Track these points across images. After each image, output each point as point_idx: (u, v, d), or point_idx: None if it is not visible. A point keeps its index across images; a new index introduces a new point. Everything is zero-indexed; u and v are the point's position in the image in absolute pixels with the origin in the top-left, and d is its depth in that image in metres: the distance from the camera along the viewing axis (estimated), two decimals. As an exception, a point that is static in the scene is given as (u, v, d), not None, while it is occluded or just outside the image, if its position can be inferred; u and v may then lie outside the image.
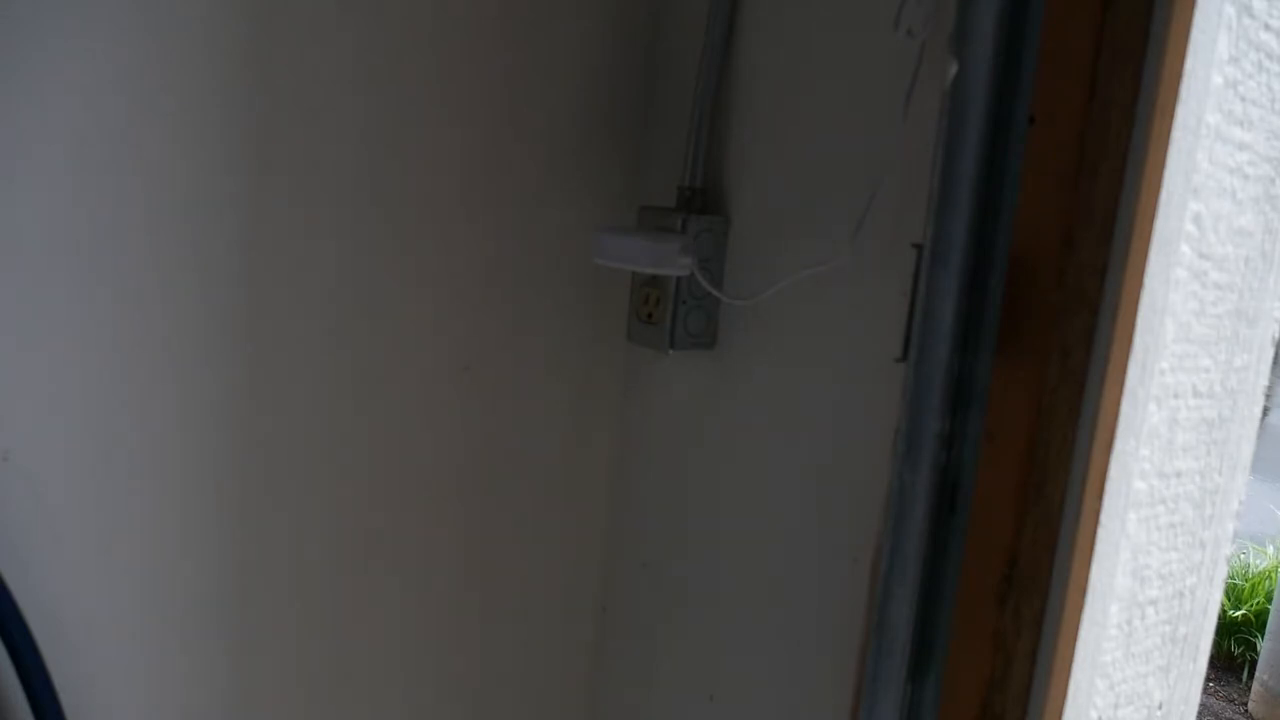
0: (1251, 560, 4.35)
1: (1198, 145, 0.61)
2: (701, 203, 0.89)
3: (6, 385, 0.73)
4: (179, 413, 0.79)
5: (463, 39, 0.86)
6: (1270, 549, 4.42)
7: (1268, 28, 0.63)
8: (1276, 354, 0.75)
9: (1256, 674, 3.72)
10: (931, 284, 0.62)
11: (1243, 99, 0.64)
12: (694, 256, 0.84)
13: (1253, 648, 3.88)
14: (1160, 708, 0.74)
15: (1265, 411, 0.82)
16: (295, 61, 0.79)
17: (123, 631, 0.81)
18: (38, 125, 0.71)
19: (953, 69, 0.60)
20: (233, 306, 0.79)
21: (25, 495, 0.75)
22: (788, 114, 0.84)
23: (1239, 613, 4.04)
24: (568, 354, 0.93)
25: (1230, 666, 3.97)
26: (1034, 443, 0.64)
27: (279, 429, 0.84)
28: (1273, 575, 4.20)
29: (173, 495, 0.81)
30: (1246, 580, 4.17)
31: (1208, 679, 3.65)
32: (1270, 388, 0.78)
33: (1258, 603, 4.05)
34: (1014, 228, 0.63)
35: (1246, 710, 3.72)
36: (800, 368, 0.83)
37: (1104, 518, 0.63)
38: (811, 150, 0.82)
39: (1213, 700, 3.77)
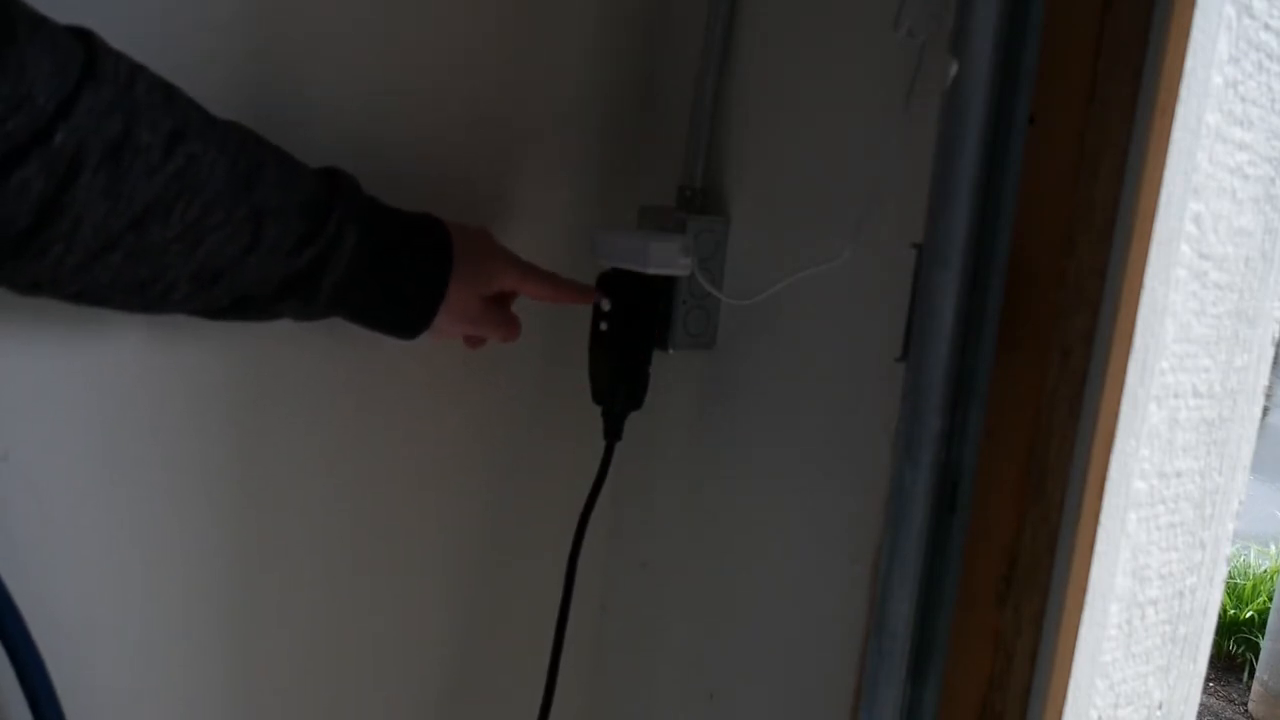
0: (1253, 560, 4.35)
1: (1198, 145, 0.61)
2: (701, 203, 0.89)
3: (6, 384, 0.73)
4: (180, 410, 0.79)
5: (461, 38, 0.86)
6: (1272, 548, 4.42)
7: (1268, 28, 0.63)
8: (1276, 354, 0.75)
9: (1256, 674, 3.72)
10: (931, 284, 0.62)
11: (1243, 99, 0.64)
12: (694, 256, 0.84)
13: (1253, 648, 3.88)
14: (1160, 708, 0.74)
15: (1265, 411, 0.82)
16: (295, 56, 0.79)
17: (123, 631, 0.81)
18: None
19: (953, 69, 0.60)
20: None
21: (25, 495, 0.75)
22: (788, 114, 0.84)
23: (1240, 612, 4.04)
24: (567, 353, 0.93)
25: (1230, 666, 3.97)
26: (1034, 442, 0.64)
27: (279, 425, 0.84)
28: (1274, 575, 4.20)
29: (173, 494, 0.80)
30: (1248, 580, 4.17)
31: (1208, 679, 3.65)
32: (1270, 388, 0.78)
33: (1260, 602, 4.05)
34: (1014, 227, 0.63)
35: (1246, 710, 3.72)
36: (800, 368, 0.83)
37: (1104, 517, 0.63)
38: (811, 150, 0.82)
39: (1213, 700, 3.77)
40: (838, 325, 0.80)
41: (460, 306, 0.75)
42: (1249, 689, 3.76)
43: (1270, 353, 0.73)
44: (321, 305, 0.68)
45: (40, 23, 0.52)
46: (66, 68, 0.52)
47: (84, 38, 0.55)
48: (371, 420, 0.88)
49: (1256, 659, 3.76)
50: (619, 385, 0.86)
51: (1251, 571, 4.23)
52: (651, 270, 0.82)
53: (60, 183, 0.53)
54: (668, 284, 0.85)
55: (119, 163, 0.54)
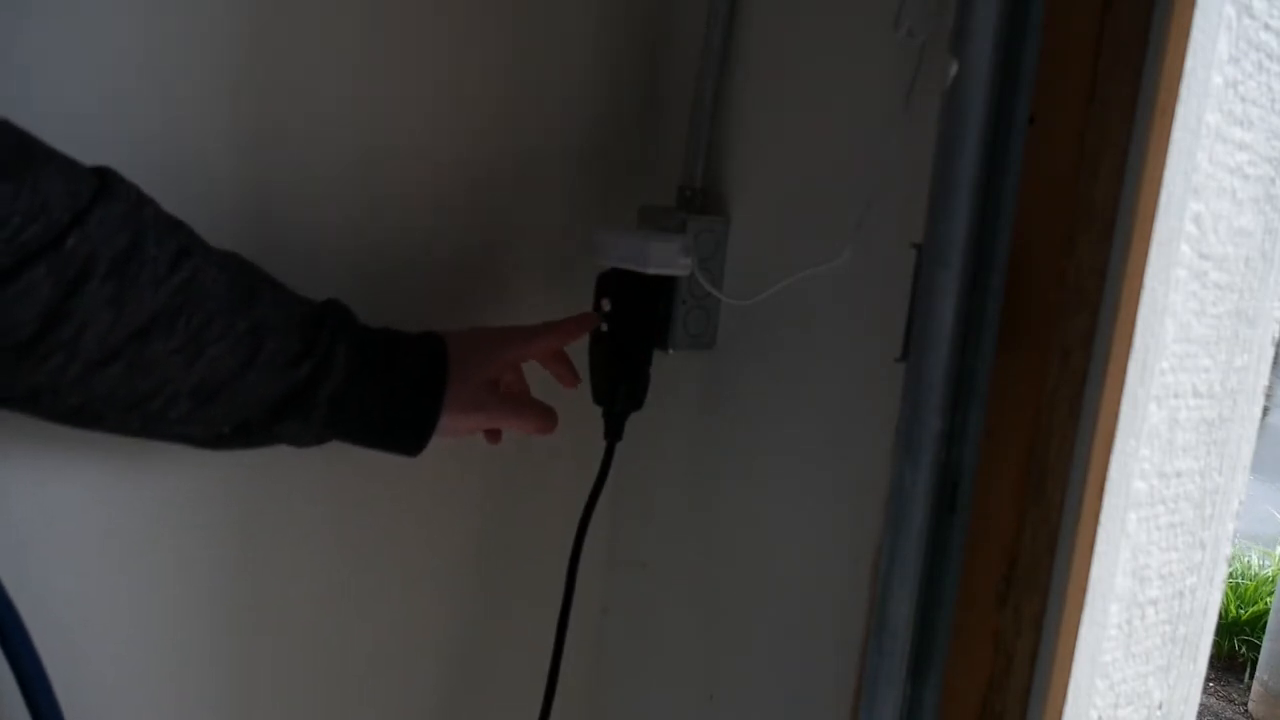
0: (1255, 561, 4.35)
1: (1198, 145, 0.61)
2: (701, 203, 0.89)
3: (6, 385, 0.73)
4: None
5: (462, 38, 0.86)
6: (1277, 549, 4.42)
7: (1268, 28, 0.63)
8: (1276, 354, 0.75)
9: (1256, 674, 3.72)
10: (931, 284, 0.62)
11: (1243, 99, 0.64)
12: (694, 256, 0.84)
13: (1254, 648, 3.88)
14: (1160, 708, 0.74)
15: (1265, 411, 0.82)
16: (294, 53, 0.79)
17: (122, 632, 0.81)
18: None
19: (953, 69, 0.60)
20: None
21: (25, 495, 0.75)
22: (788, 114, 0.84)
23: (1241, 613, 4.04)
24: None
25: (1230, 666, 3.97)
26: (1034, 442, 0.64)
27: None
28: (1275, 576, 4.20)
29: (173, 496, 0.80)
30: (1250, 581, 4.17)
31: (1208, 679, 3.65)
32: (1270, 388, 0.78)
33: (1261, 603, 4.05)
34: (1014, 227, 0.63)
35: (1246, 710, 3.72)
36: (800, 367, 0.83)
37: (1104, 518, 0.63)
38: (811, 150, 0.82)
39: (1213, 700, 3.77)
40: (838, 325, 0.79)
41: (466, 398, 0.73)
42: (1249, 689, 3.76)
43: (1270, 353, 0.73)
44: (319, 423, 0.68)
45: (55, 153, 0.56)
46: (81, 186, 0.56)
47: (99, 168, 0.59)
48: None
49: (1257, 659, 3.76)
50: (619, 385, 0.86)
51: (1254, 572, 4.24)
52: (651, 270, 0.82)
53: (68, 289, 0.55)
54: (668, 284, 0.85)
55: (126, 273, 0.57)
